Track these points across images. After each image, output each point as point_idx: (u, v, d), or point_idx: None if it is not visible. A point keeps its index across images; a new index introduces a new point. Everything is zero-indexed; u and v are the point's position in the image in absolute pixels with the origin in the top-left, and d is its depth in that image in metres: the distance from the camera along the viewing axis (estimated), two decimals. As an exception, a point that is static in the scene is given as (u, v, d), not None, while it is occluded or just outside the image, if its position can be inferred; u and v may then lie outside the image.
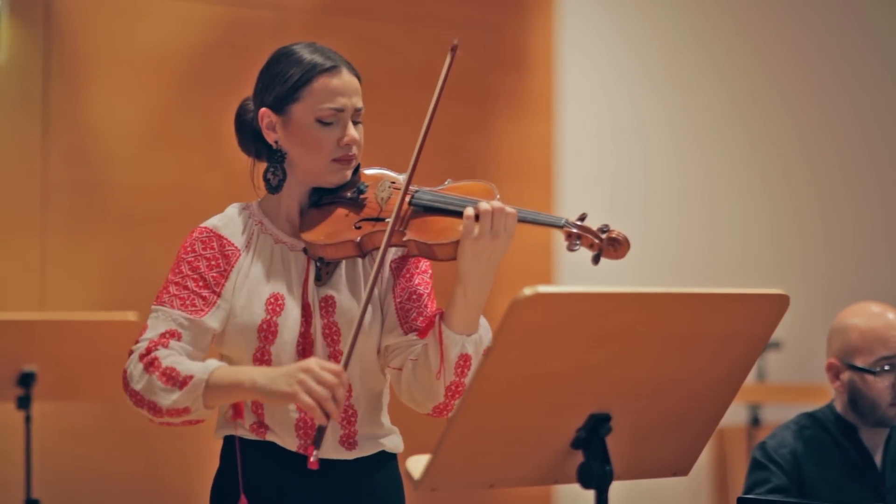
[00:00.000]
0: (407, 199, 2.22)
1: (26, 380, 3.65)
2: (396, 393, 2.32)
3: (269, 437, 2.27)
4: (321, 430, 2.04)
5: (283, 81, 2.25)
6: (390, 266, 2.33)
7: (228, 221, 2.33)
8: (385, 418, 2.37)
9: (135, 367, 2.17)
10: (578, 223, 2.15)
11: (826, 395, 4.69)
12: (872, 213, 6.41)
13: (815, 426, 3.07)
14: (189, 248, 2.28)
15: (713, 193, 6.07)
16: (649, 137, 5.94)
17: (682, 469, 2.03)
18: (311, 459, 2.03)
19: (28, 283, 4.72)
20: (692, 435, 2.00)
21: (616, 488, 1.83)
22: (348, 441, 2.29)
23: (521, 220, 2.17)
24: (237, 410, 2.26)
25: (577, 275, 5.41)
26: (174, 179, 4.92)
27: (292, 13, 5.13)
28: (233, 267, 2.27)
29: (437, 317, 2.21)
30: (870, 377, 2.99)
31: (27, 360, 3.65)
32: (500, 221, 2.13)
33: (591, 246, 2.13)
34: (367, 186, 2.30)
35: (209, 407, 2.13)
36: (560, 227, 2.15)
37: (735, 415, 5.17)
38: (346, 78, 2.26)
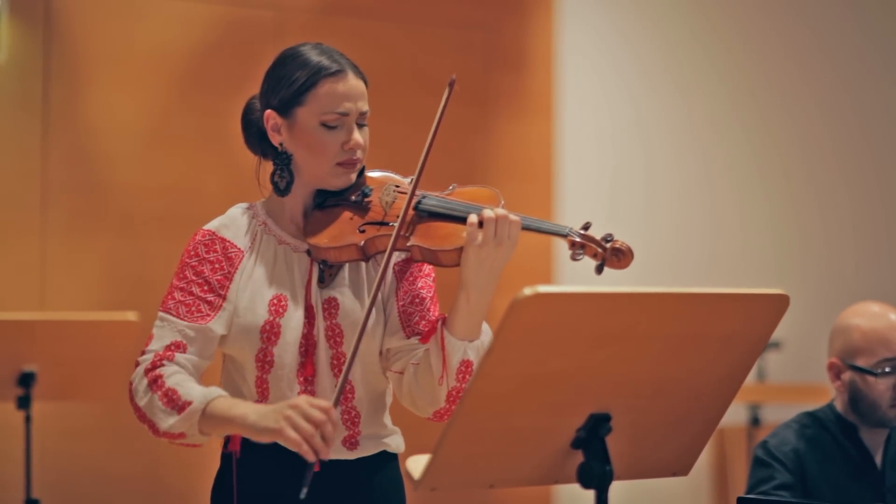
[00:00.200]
0: (412, 203, 2.22)
1: (26, 380, 3.65)
2: (398, 396, 2.32)
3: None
4: (309, 467, 2.04)
5: (288, 84, 2.25)
6: (394, 269, 2.33)
7: (231, 223, 2.32)
8: (387, 419, 2.38)
9: (139, 382, 2.19)
10: (582, 232, 2.15)
11: (826, 394, 4.69)
12: (872, 213, 6.41)
13: (815, 425, 3.07)
14: (192, 253, 2.28)
15: (713, 193, 6.07)
16: (649, 137, 5.94)
17: (682, 469, 2.03)
18: (301, 496, 2.04)
19: (28, 283, 4.72)
20: (692, 435, 2.00)
21: (616, 488, 1.83)
22: (350, 441, 2.30)
23: (525, 228, 2.17)
24: (233, 440, 2.26)
25: (577, 275, 5.41)
26: (174, 179, 4.92)
27: (292, 13, 5.13)
28: (236, 269, 2.27)
29: (440, 322, 2.22)
30: (871, 378, 2.99)
31: (27, 360, 3.65)
32: (504, 229, 2.13)
33: (594, 255, 2.14)
34: (371, 190, 2.30)
35: (204, 434, 2.15)
36: (564, 235, 2.16)
37: (735, 415, 5.17)
38: (351, 82, 2.26)
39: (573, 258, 2.13)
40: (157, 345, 2.22)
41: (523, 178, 5.54)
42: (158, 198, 4.89)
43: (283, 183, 2.28)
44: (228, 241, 2.29)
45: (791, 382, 5.79)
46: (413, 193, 2.21)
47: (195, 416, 2.12)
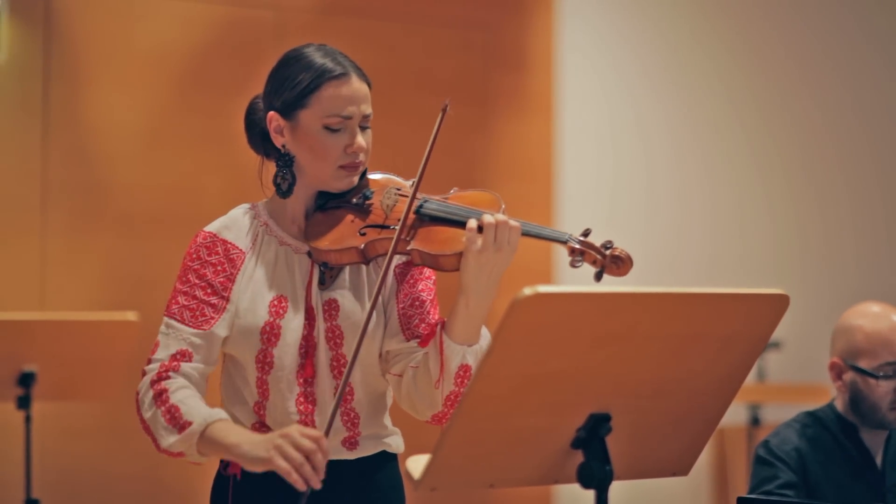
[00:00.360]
0: (413, 207, 2.22)
1: (26, 380, 3.65)
2: (396, 399, 2.33)
3: (270, 437, 2.28)
4: (303, 495, 2.06)
5: (291, 87, 2.24)
6: (394, 271, 2.32)
7: (232, 224, 2.32)
8: (387, 420, 2.38)
9: (145, 394, 2.20)
10: (581, 239, 2.15)
11: (826, 394, 4.70)
12: (872, 213, 6.41)
13: (816, 425, 3.07)
14: (194, 256, 2.28)
15: (713, 193, 6.07)
16: (649, 137, 5.94)
17: (682, 469, 2.03)
18: None
19: (28, 283, 4.72)
20: (692, 435, 2.00)
21: (616, 488, 1.83)
22: (350, 442, 2.30)
23: (525, 234, 2.17)
24: (233, 462, 2.26)
25: (577, 275, 5.40)
26: (174, 179, 4.92)
27: (292, 13, 5.13)
28: (238, 270, 2.28)
29: (439, 326, 2.22)
30: (872, 380, 2.99)
31: (27, 360, 3.65)
32: (504, 235, 2.13)
33: (593, 262, 2.14)
34: (372, 193, 2.30)
35: (203, 455, 2.16)
36: (563, 242, 2.16)
37: (735, 415, 5.18)
38: (355, 85, 2.25)
39: (572, 265, 2.14)
40: (162, 353, 2.23)
41: (523, 178, 5.54)
42: (158, 198, 4.89)
43: (284, 185, 2.28)
44: (230, 243, 2.29)
45: (791, 382, 5.79)
46: (413, 200, 2.21)
47: (194, 438, 2.14)
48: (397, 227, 2.20)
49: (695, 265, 5.96)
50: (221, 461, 2.31)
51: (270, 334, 2.24)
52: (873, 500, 3.01)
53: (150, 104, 4.92)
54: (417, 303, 2.30)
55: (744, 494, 2.81)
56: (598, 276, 2.14)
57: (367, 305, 2.25)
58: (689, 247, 5.98)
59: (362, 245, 2.23)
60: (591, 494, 1.82)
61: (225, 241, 2.29)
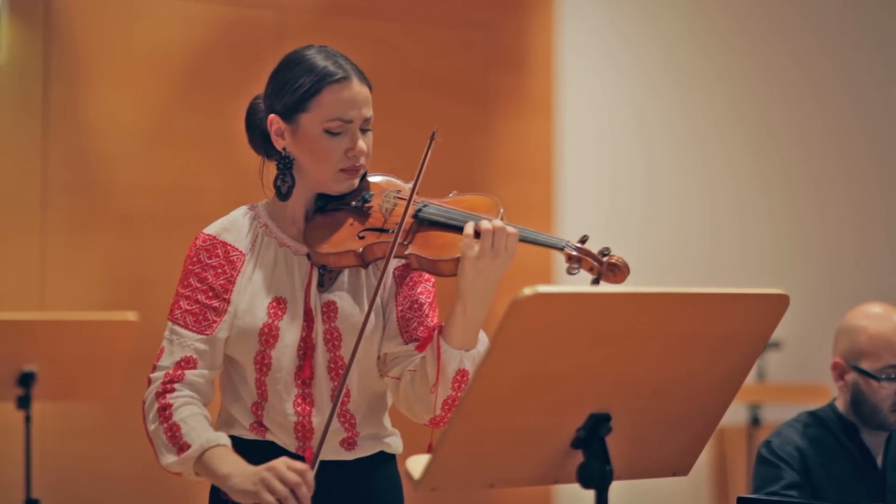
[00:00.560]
0: (411, 212, 2.22)
1: (26, 380, 3.65)
2: (395, 401, 2.33)
3: (269, 438, 2.28)
4: None
5: (292, 90, 2.24)
6: (394, 273, 2.32)
7: (232, 226, 2.32)
8: (387, 420, 2.38)
9: (150, 406, 2.23)
10: (579, 245, 2.16)
11: (826, 394, 4.69)
12: (872, 213, 6.41)
13: (817, 425, 3.07)
14: (195, 259, 2.28)
15: (713, 193, 6.07)
16: (649, 137, 5.94)
17: (682, 469, 2.03)
18: None
19: (28, 283, 4.72)
20: (692, 435, 2.00)
21: (616, 488, 1.83)
22: (348, 442, 2.30)
23: (523, 240, 2.17)
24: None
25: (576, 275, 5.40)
26: (174, 179, 4.92)
27: (292, 13, 5.13)
28: (238, 272, 2.28)
29: (436, 331, 2.22)
30: (874, 382, 2.99)
31: (27, 360, 3.65)
32: (501, 241, 2.13)
33: (590, 269, 2.15)
34: (371, 195, 2.30)
35: (199, 476, 2.19)
36: (560, 248, 2.16)
37: (735, 415, 5.18)
38: (356, 89, 2.25)
39: (569, 272, 2.15)
40: (167, 361, 2.25)
41: (523, 178, 5.54)
42: (158, 198, 4.89)
43: (284, 187, 2.28)
44: (230, 245, 2.29)
45: (791, 382, 5.79)
46: (407, 209, 2.21)
47: (191, 462, 2.17)
48: (395, 232, 2.20)
49: (695, 265, 5.96)
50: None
51: (269, 336, 2.24)
52: (874, 499, 3.01)
53: (150, 104, 4.92)
54: (416, 306, 2.30)
55: (744, 494, 2.80)
56: (595, 283, 2.14)
57: (366, 308, 2.25)
58: (689, 247, 5.98)
59: (360, 248, 2.23)
60: (591, 494, 1.82)
61: (225, 244, 2.29)
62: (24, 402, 3.66)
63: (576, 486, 1.84)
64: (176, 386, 2.23)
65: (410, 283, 2.32)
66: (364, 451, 2.31)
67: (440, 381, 2.19)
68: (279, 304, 2.26)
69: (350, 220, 2.28)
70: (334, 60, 2.26)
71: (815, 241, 6.27)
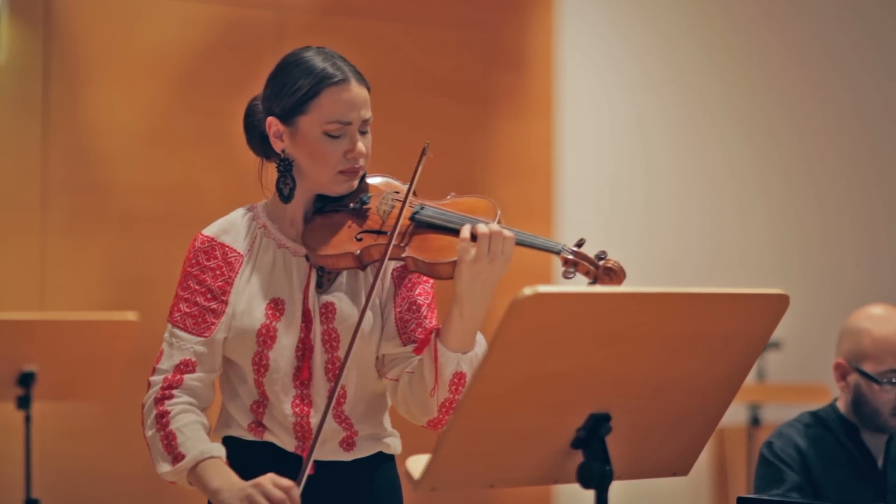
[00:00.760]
0: (407, 214, 2.22)
1: (26, 380, 3.65)
2: (393, 403, 2.34)
3: (267, 438, 2.28)
4: None
5: (291, 93, 2.24)
6: (392, 274, 2.32)
7: (230, 227, 2.32)
8: (387, 421, 2.38)
9: (149, 411, 2.25)
10: (575, 249, 2.16)
11: (826, 394, 4.69)
12: (872, 213, 6.41)
13: (818, 425, 3.07)
14: (193, 261, 2.29)
15: (713, 193, 6.07)
16: (649, 137, 5.94)
17: (682, 469, 2.03)
18: None
19: (28, 283, 4.72)
20: (692, 435, 2.00)
21: (616, 488, 1.83)
22: (347, 442, 2.30)
23: (519, 244, 2.17)
24: None
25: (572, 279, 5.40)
26: (174, 179, 4.92)
27: (292, 13, 5.13)
28: (237, 273, 2.28)
29: (433, 334, 2.22)
30: (875, 386, 2.98)
31: (27, 360, 3.65)
32: (498, 245, 2.13)
33: (586, 273, 2.16)
34: (369, 197, 2.30)
35: (192, 485, 2.20)
36: (557, 252, 2.17)
37: (735, 415, 5.18)
38: (354, 90, 2.24)
39: (565, 276, 2.15)
40: (166, 364, 2.26)
41: (523, 178, 5.54)
42: (158, 198, 4.89)
43: (286, 190, 2.27)
44: (228, 247, 2.30)
45: (791, 382, 5.79)
46: (402, 210, 2.21)
47: (184, 472, 2.19)
48: (391, 235, 2.20)
49: (695, 265, 5.96)
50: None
51: (266, 337, 2.24)
52: (874, 500, 3.01)
53: (150, 104, 4.92)
54: (414, 307, 2.30)
55: (744, 494, 2.80)
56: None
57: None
58: (689, 247, 5.98)
59: (358, 251, 2.23)
60: (591, 494, 1.82)
61: (223, 245, 2.29)
62: (24, 402, 3.66)
63: (576, 486, 1.84)
64: (174, 392, 2.24)
65: (409, 285, 2.31)
66: (362, 451, 2.31)
67: (438, 385, 2.19)
68: (277, 305, 2.26)
69: (348, 222, 2.28)
70: (333, 62, 2.25)
71: (815, 241, 6.27)
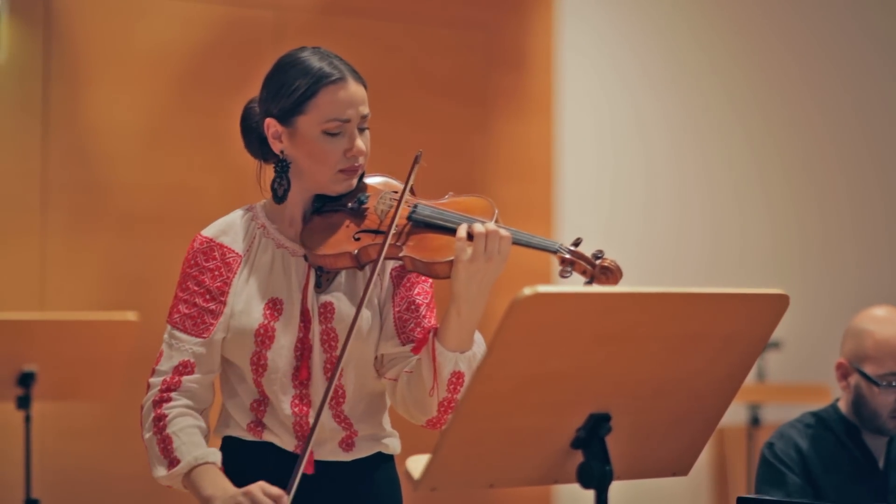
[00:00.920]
0: (404, 214, 2.22)
1: (26, 380, 3.65)
2: (392, 403, 2.34)
3: (267, 437, 2.28)
4: None
5: (288, 93, 2.23)
6: (391, 274, 2.32)
7: (229, 227, 2.32)
8: (386, 421, 2.38)
9: (147, 413, 2.26)
10: (572, 249, 2.16)
11: (826, 395, 4.69)
12: (872, 213, 6.41)
13: (819, 425, 3.07)
14: (192, 262, 2.29)
15: (713, 193, 6.07)
16: (649, 137, 5.94)
17: (682, 469, 2.03)
18: None
19: (28, 283, 4.72)
20: (692, 435, 2.00)
21: (616, 488, 1.83)
22: (346, 442, 2.30)
23: (516, 243, 2.17)
24: None
25: (575, 275, 5.40)
26: (174, 179, 4.92)
27: (292, 13, 5.13)
28: (235, 274, 2.28)
29: (431, 333, 2.22)
30: (875, 388, 2.98)
31: (27, 360, 3.65)
32: (494, 244, 2.13)
33: (583, 272, 2.16)
34: (367, 197, 2.30)
35: (188, 489, 2.22)
36: (554, 251, 2.17)
37: (735, 415, 5.18)
38: (352, 88, 2.24)
39: (562, 275, 2.15)
40: (166, 365, 2.26)
41: (523, 178, 5.53)
42: (158, 198, 4.89)
43: (280, 190, 2.27)
44: (226, 247, 2.30)
45: (791, 382, 5.79)
46: (397, 210, 2.21)
47: (178, 476, 2.21)
48: (388, 235, 2.20)
49: (695, 265, 5.96)
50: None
51: (264, 337, 2.25)
52: (875, 501, 3.01)
53: (150, 104, 4.92)
54: (413, 307, 2.30)
55: (744, 494, 2.80)
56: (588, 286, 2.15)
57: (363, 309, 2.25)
58: (689, 247, 5.98)
59: (356, 250, 2.23)
60: (591, 494, 1.82)
61: (222, 246, 2.30)
62: (23, 402, 3.66)
63: (576, 486, 1.84)
64: (173, 395, 2.24)
65: (408, 284, 2.31)
66: (362, 451, 2.31)
67: (437, 385, 2.19)
68: (275, 305, 2.26)
69: (346, 222, 2.28)
70: (329, 61, 2.25)
71: (815, 241, 6.27)
